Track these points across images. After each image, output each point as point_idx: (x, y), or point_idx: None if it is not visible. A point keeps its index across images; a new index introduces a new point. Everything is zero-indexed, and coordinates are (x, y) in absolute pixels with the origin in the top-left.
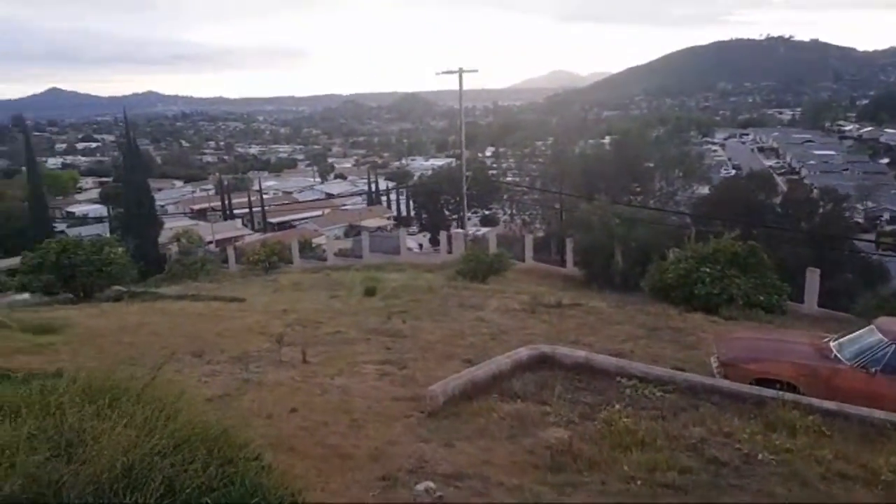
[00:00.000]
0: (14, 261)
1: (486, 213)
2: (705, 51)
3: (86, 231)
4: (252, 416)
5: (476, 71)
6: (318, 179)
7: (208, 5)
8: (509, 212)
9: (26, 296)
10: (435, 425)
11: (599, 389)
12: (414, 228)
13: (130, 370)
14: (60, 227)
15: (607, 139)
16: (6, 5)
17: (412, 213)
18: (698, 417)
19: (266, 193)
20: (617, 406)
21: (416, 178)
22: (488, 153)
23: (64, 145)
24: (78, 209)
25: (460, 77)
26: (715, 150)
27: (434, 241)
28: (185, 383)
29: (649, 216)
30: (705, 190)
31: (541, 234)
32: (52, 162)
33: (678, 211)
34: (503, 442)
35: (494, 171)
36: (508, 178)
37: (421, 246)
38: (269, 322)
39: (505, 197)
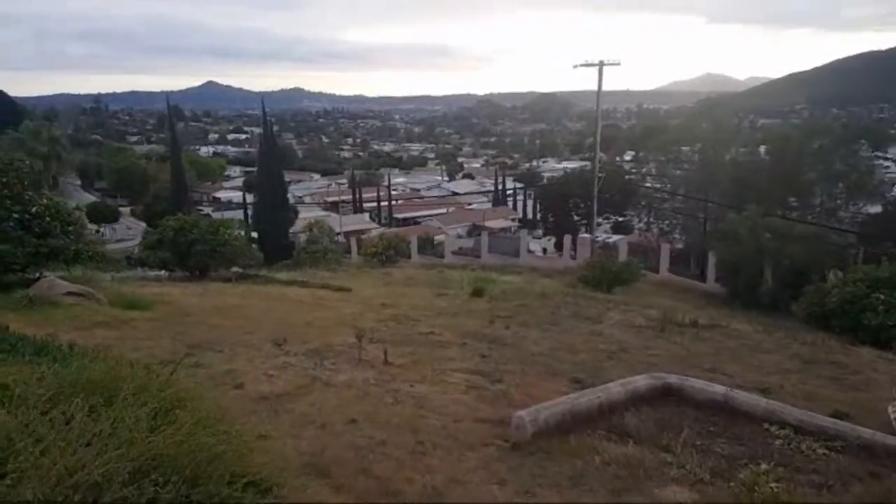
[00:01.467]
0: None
1: (619, 219)
2: (884, 57)
3: (227, 216)
4: (303, 423)
5: (618, 64)
6: (446, 178)
7: (358, 6)
8: (645, 219)
9: (144, 271)
10: (518, 462)
11: (740, 438)
12: (539, 232)
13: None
14: (206, 210)
15: (763, 148)
16: (172, 5)
17: (538, 216)
18: (880, 492)
19: (394, 189)
20: (763, 464)
21: (545, 180)
22: (627, 157)
23: (216, 135)
24: (223, 195)
25: (600, 70)
26: (888, 167)
27: (558, 246)
28: (247, 376)
29: (807, 231)
30: (877, 208)
31: (679, 245)
32: (204, 150)
33: (843, 228)
34: (603, 497)
35: (632, 176)
36: (647, 184)
37: (545, 250)
38: (363, 315)
39: (642, 203)
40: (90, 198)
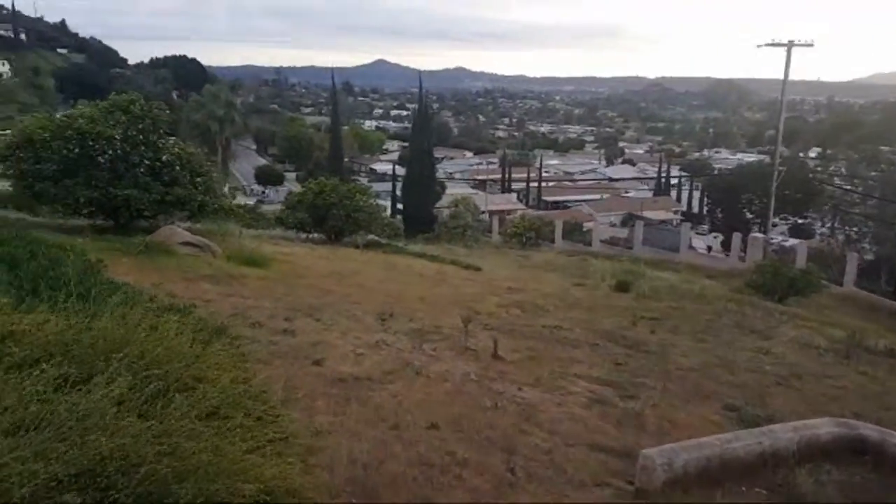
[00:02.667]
0: None
1: (799, 221)
2: None
3: (380, 187)
4: (373, 419)
5: (811, 45)
6: (603, 163)
7: None
8: (829, 224)
9: (283, 231)
10: None
11: None
12: (704, 227)
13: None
14: (362, 179)
15: None
16: None
17: (704, 209)
18: None
19: (546, 171)
20: None
21: (716, 171)
22: (812, 154)
23: (380, 111)
24: (379, 167)
25: (788, 52)
26: None
27: (725, 245)
28: (334, 351)
29: None
30: None
31: (869, 255)
32: (368, 124)
33: None
34: None
35: (817, 175)
36: (835, 185)
37: (709, 248)
38: (484, 297)
39: (826, 205)
40: (262, 161)
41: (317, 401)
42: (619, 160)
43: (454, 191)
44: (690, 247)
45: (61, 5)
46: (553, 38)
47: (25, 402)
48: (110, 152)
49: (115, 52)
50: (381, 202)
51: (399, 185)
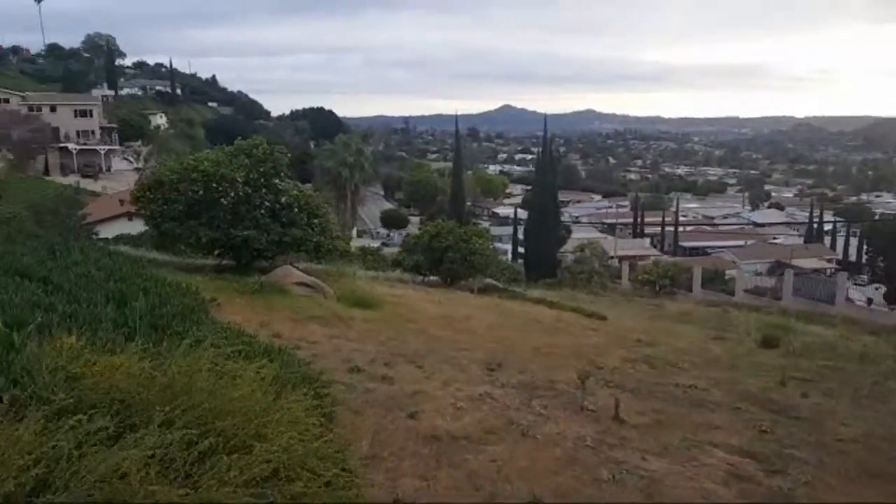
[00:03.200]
0: None
1: None
2: None
3: (502, 230)
4: (463, 488)
5: None
6: (747, 207)
7: (658, 27)
8: None
9: (400, 273)
10: None
11: None
12: (863, 277)
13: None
14: (483, 223)
15: None
16: (478, 34)
17: (863, 258)
18: None
19: (683, 215)
20: None
21: (876, 216)
22: None
23: (504, 155)
24: (501, 210)
25: None
26: None
27: (889, 297)
28: (432, 403)
29: None
30: None
31: None
32: (492, 168)
33: None
34: None
35: None
36: None
37: (870, 301)
38: (608, 350)
39: None
40: (388, 206)
41: (404, 461)
42: (765, 204)
43: (580, 235)
44: (847, 298)
45: (213, 63)
46: (689, 78)
47: (56, 457)
48: (232, 194)
49: (259, 105)
50: (501, 246)
51: (521, 228)
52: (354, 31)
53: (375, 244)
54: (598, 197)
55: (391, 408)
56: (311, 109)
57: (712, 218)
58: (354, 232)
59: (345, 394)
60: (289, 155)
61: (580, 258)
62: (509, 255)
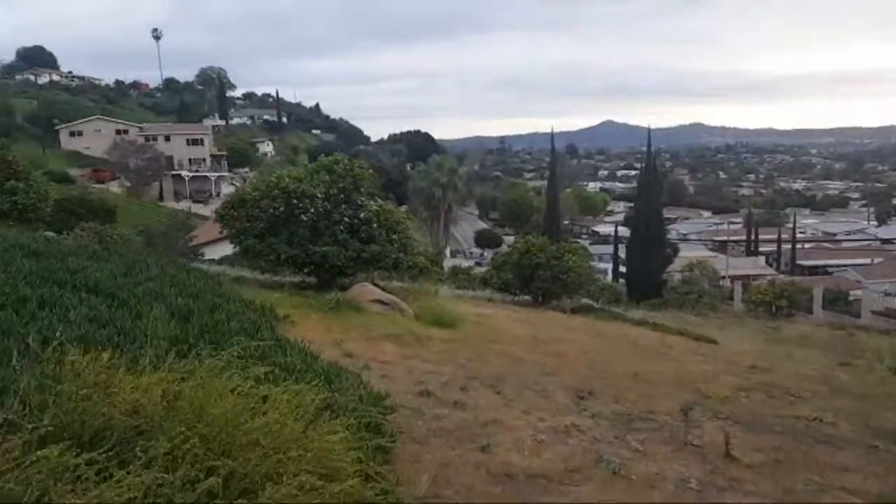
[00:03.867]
0: None
1: None
2: None
3: (602, 249)
4: None
5: None
6: (873, 222)
7: (767, 35)
8: None
9: (487, 292)
10: None
11: None
12: None
13: None
14: (583, 242)
15: None
16: (577, 50)
17: None
18: None
19: (801, 231)
20: None
21: None
22: None
23: (606, 172)
24: (601, 229)
25: None
26: None
27: None
28: (508, 435)
29: None
30: None
31: None
32: (592, 186)
33: None
34: None
35: None
36: None
37: None
38: (717, 377)
39: None
40: (483, 225)
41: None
42: (894, 219)
43: (688, 253)
44: None
45: (318, 91)
46: (804, 88)
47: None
48: (312, 210)
49: (359, 131)
50: (602, 265)
51: (623, 246)
52: (451, 53)
53: (468, 264)
54: (707, 213)
55: (461, 439)
56: (408, 133)
57: (833, 234)
58: (448, 252)
59: (410, 420)
60: (370, 170)
61: (688, 278)
62: (609, 275)
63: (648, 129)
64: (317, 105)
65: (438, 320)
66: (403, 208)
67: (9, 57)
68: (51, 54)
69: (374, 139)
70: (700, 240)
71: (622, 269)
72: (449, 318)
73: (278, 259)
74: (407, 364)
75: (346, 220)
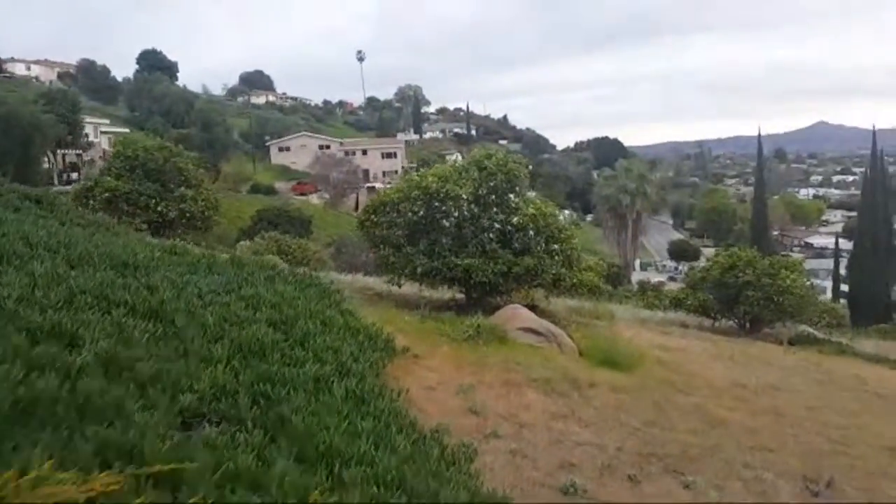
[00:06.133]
0: None
1: None
2: None
3: (818, 264)
4: None
5: None
6: None
7: None
8: None
9: (681, 314)
10: None
11: None
12: None
13: None
14: (795, 255)
15: None
16: (783, 51)
17: None
18: None
19: None
20: None
21: None
22: None
23: (819, 177)
24: (816, 241)
25: None
26: None
27: None
28: None
29: None
30: None
31: None
32: (804, 192)
33: None
34: None
35: None
36: None
37: None
38: None
39: None
40: (677, 236)
41: None
42: None
43: None
44: None
45: (508, 104)
46: None
47: None
48: (456, 214)
49: (545, 140)
50: (818, 282)
51: (843, 261)
52: (650, 60)
53: (660, 278)
54: None
55: None
56: (596, 140)
57: None
58: (637, 264)
59: None
60: (529, 167)
61: None
62: (829, 294)
63: (874, 130)
64: (504, 117)
65: (609, 358)
66: (589, 217)
67: (233, 81)
68: (268, 77)
69: (560, 147)
70: None
71: (843, 287)
72: (624, 354)
73: (414, 273)
74: (554, 429)
75: (497, 225)
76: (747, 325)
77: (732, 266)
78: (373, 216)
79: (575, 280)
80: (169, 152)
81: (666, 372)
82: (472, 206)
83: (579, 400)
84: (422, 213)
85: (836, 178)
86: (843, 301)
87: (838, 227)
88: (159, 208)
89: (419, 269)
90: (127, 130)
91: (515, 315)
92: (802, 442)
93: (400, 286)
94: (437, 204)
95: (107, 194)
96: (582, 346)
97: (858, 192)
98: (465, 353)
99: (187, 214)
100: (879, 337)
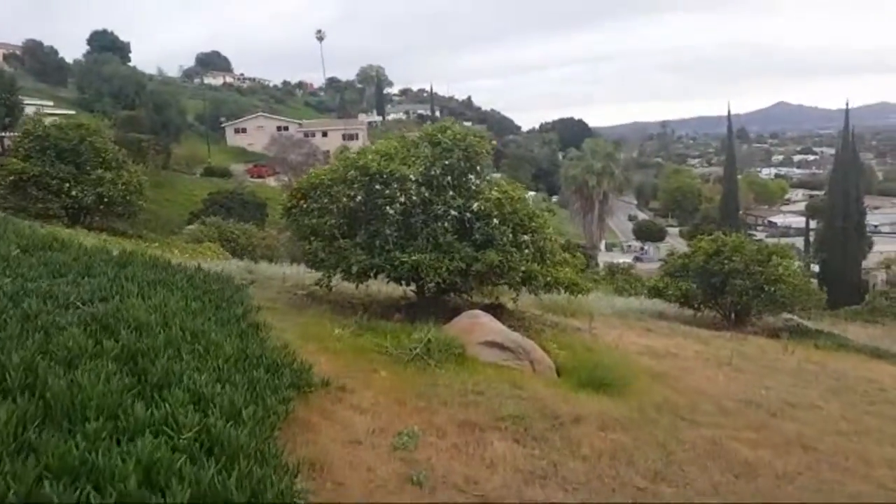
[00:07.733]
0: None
1: None
2: None
3: (783, 243)
4: None
5: None
6: None
7: None
8: None
9: (657, 303)
10: None
11: None
12: None
13: None
14: (758, 235)
15: None
16: (748, 31)
17: None
18: None
19: None
20: None
21: None
22: None
23: (780, 157)
24: (779, 220)
25: None
26: None
27: None
28: None
29: None
30: None
31: None
32: (766, 172)
33: None
34: None
35: None
36: None
37: None
38: None
39: None
40: (642, 216)
41: None
42: None
43: (884, 247)
44: None
45: (471, 85)
46: None
47: None
48: (403, 199)
49: (510, 121)
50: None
51: (810, 241)
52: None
53: (626, 259)
54: None
55: None
56: (560, 121)
57: None
58: (603, 245)
59: None
60: (491, 141)
61: (893, 278)
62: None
63: (847, 109)
64: (469, 98)
65: (594, 378)
66: (554, 199)
67: (189, 62)
68: (225, 59)
69: (525, 129)
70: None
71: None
72: (611, 368)
73: (349, 271)
74: (528, 498)
75: (454, 213)
76: (733, 316)
77: (717, 252)
78: (302, 202)
79: (549, 278)
80: (85, 131)
81: (663, 390)
82: (423, 189)
83: (562, 447)
84: (360, 198)
85: (796, 158)
86: (814, 281)
87: (801, 206)
88: (73, 192)
89: (354, 268)
90: (73, 112)
91: (476, 325)
92: (852, 494)
93: (330, 289)
94: (378, 187)
95: (12, 177)
96: (560, 360)
97: (820, 171)
98: (410, 379)
99: (105, 199)
100: (862, 321)
